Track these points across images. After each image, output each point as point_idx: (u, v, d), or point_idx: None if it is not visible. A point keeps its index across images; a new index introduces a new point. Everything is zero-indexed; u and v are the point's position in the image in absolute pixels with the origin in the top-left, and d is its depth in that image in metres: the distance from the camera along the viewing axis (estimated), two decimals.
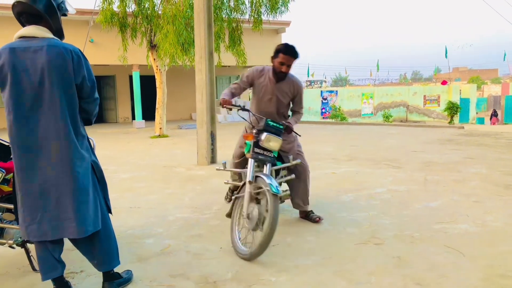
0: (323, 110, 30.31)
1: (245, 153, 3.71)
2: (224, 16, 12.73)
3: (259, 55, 19.55)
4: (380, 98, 31.50)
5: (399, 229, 4.03)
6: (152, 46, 13.40)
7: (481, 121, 29.62)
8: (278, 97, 4.08)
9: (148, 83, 18.99)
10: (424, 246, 3.60)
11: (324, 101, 30.51)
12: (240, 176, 4.25)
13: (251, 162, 3.54)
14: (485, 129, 16.36)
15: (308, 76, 49.31)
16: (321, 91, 31.24)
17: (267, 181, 3.30)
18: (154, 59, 13.46)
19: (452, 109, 26.17)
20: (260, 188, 3.40)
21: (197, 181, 6.45)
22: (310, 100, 30.27)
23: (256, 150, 3.60)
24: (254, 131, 3.67)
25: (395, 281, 2.96)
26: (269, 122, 3.67)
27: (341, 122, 21.77)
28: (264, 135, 3.59)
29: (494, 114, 29.56)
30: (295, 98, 4.20)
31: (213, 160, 7.93)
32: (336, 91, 31.71)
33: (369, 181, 6.14)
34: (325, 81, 54.72)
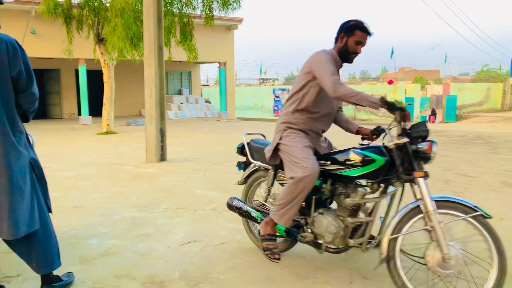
0: (276, 108, 30.64)
1: (366, 175, 2.70)
2: (175, 10, 12.49)
3: (211, 51, 19.42)
4: None
5: None
6: (100, 40, 12.92)
7: (424, 119, 31.08)
8: None
9: (95, 77, 18.32)
10: None
11: (276, 99, 30.84)
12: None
13: (423, 183, 2.55)
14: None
15: (260, 73, 49.64)
16: (274, 89, 31.56)
17: (467, 204, 2.49)
18: (102, 53, 13.00)
19: None
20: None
21: (145, 179, 6.29)
22: (263, 97, 30.48)
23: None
24: (405, 139, 2.60)
25: (342, 275, 3.01)
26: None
27: None
28: (435, 145, 2.62)
29: (433, 113, 31.11)
30: None
31: (162, 158, 7.77)
32: (288, 89, 32.11)
33: None
34: (278, 79, 55.31)
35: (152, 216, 4.44)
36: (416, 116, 31.58)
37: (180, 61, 16.11)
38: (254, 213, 3.25)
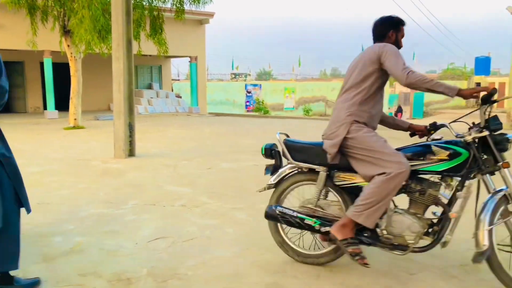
0: (247, 103, 30.60)
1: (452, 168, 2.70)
2: (144, 3, 12.26)
3: (182, 45, 19.19)
4: (302, 93, 32.51)
5: None
6: (66, 32, 12.53)
7: (391, 115, 31.79)
8: None
9: (62, 71, 17.77)
10: None
11: (248, 94, 30.80)
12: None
13: (508, 173, 2.64)
14: None
15: (232, 68, 49.45)
16: (246, 85, 31.50)
17: None
18: (68, 45, 12.61)
19: None
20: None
21: (113, 175, 6.17)
22: (235, 93, 30.41)
23: None
24: (486, 132, 2.67)
25: (309, 269, 3.05)
26: None
27: (264, 116, 22.15)
28: None
29: (399, 110, 31.75)
30: None
31: (131, 153, 7.63)
32: (260, 84, 32.14)
33: None
34: (250, 75, 55.25)
35: (119, 213, 4.36)
36: (385, 112, 32.25)
37: (150, 55, 15.85)
38: (310, 220, 2.94)
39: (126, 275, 2.94)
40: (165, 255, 3.29)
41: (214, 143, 9.51)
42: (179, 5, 12.32)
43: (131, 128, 7.64)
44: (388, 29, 2.97)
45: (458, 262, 3.16)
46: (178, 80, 33.99)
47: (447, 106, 38.74)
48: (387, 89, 34.72)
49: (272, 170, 3.17)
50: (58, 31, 12.74)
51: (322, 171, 2.96)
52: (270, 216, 3.05)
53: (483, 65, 38.99)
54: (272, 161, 3.20)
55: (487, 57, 39.79)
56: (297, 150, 3.08)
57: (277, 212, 3.00)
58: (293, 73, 54.76)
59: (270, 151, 3.16)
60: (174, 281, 2.86)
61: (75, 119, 13.02)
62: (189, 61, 20.81)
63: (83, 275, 2.93)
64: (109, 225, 3.98)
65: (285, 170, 3.13)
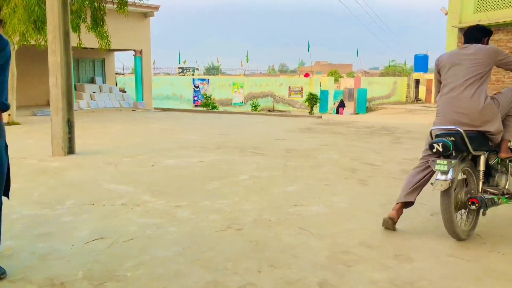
0: (195, 98, 30.26)
1: None
2: None
3: (125, 38, 18.62)
4: (250, 88, 32.61)
5: (258, 214, 4.19)
6: None
7: (337, 111, 32.66)
8: None
9: None
10: (280, 229, 3.80)
11: (196, 89, 30.45)
12: None
13: None
14: (339, 119, 18.08)
15: (179, 63, 48.67)
16: (193, 79, 31.13)
17: None
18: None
19: (312, 100, 28.38)
20: None
21: (50, 174, 5.88)
22: (182, 87, 29.98)
23: None
24: None
25: (251, 265, 3.06)
26: None
27: (212, 111, 22.00)
28: None
29: (341, 105, 32.67)
30: None
31: (70, 151, 7.31)
32: (208, 79, 31.88)
33: (234, 169, 6.29)
34: (198, 69, 54.56)
35: (55, 214, 4.17)
36: (330, 108, 33.11)
37: (92, 48, 15.22)
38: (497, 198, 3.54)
39: (60, 279, 2.81)
40: (103, 256, 3.18)
41: (159, 140, 9.32)
42: None
43: (70, 124, 7.32)
44: (484, 36, 3.85)
45: (393, 253, 3.30)
46: (123, 74, 32.89)
47: (388, 102, 40.36)
48: (332, 85, 35.67)
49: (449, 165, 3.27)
50: None
51: (483, 155, 3.52)
52: (484, 203, 3.37)
53: (421, 62, 40.98)
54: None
55: (425, 55, 41.91)
56: (473, 140, 3.37)
57: (486, 199, 3.41)
58: (241, 67, 54.77)
59: (445, 146, 3.27)
60: (112, 283, 2.77)
61: (9, 114, 12.25)
62: (134, 55, 20.25)
63: (12, 282, 2.77)
64: (43, 227, 3.79)
65: (458, 161, 3.33)
